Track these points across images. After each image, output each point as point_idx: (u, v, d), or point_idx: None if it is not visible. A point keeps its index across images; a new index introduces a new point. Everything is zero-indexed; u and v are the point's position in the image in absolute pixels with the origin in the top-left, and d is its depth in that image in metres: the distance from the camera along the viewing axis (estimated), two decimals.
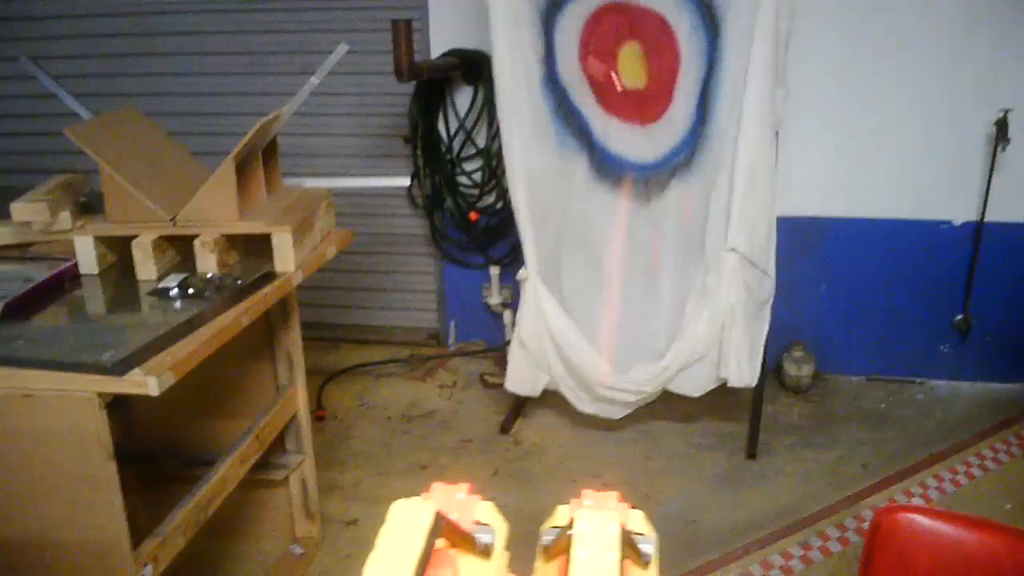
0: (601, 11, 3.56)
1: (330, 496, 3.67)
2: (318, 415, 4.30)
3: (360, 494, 3.73)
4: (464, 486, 0.86)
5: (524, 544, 0.86)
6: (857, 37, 4.12)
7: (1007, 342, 4.47)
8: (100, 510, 2.06)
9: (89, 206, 2.73)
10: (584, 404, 4.03)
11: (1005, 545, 1.71)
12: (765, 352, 3.91)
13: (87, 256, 2.57)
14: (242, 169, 2.67)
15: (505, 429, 4.19)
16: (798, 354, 4.48)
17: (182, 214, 2.59)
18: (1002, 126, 4.00)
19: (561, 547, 0.80)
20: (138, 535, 2.21)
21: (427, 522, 0.74)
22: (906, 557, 1.76)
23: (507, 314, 4.75)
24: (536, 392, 4.12)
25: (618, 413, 4.01)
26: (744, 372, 3.78)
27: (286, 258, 2.61)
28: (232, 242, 2.64)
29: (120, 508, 2.07)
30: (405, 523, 0.74)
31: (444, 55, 4.44)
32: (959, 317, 4.45)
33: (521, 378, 4.07)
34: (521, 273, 3.95)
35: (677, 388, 3.97)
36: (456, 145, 4.58)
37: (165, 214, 2.58)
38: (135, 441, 3.08)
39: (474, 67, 4.37)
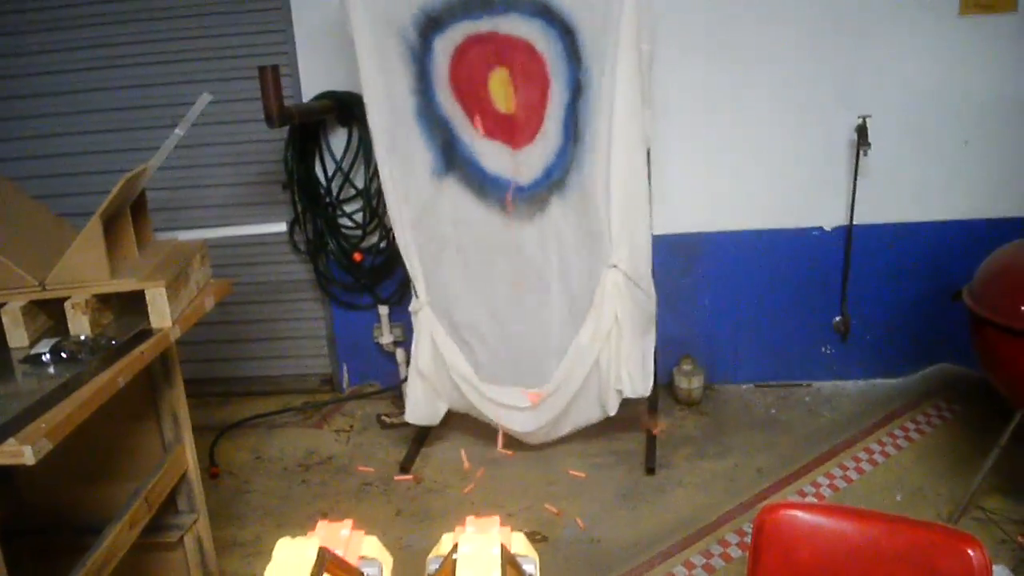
0: (468, 41, 3.59)
1: (230, 554, 3.58)
2: (212, 472, 4.20)
3: (261, 549, 3.64)
4: (348, 522, 0.86)
5: None
6: (719, 55, 4.27)
7: (884, 339, 4.65)
8: None
9: None
10: (499, 421, 4.08)
11: (881, 532, 1.77)
12: (655, 367, 3.98)
13: None
14: (111, 227, 2.61)
15: (405, 468, 4.16)
16: (688, 367, 4.57)
17: (51, 277, 2.51)
18: (862, 132, 4.18)
19: (446, 573, 0.80)
20: None
21: (311, 558, 0.74)
22: (790, 552, 1.81)
23: (400, 352, 4.73)
24: (436, 420, 4.15)
25: (526, 424, 4.04)
26: (637, 383, 3.85)
27: (162, 314, 2.55)
28: (105, 302, 2.58)
29: None
30: (290, 561, 0.74)
31: (316, 98, 4.42)
32: (838, 319, 4.62)
33: (420, 408, 4.09)
34: (413, 305, 3.98)
35: (583, 420, 4.05)
36: (335, 187, 4.55)
37: (33, 279, 2.50)
38: (23, 515, 2.96)
39: (347, 108, 4.37)
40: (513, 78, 3.60)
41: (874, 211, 4.41)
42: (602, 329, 3.79)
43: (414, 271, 3.93)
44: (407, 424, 4.31)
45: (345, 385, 5.04)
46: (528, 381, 4.01)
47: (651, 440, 4.18)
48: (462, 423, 4.30)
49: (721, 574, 3.27)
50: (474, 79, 3.65)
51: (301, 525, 3.65)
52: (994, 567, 1.71)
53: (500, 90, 3.64)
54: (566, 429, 4.09)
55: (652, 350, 3.96)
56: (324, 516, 3.80)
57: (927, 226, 4.43)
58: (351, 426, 4.67)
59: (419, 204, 3.84)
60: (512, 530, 0.87)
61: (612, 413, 3.95)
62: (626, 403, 3.95)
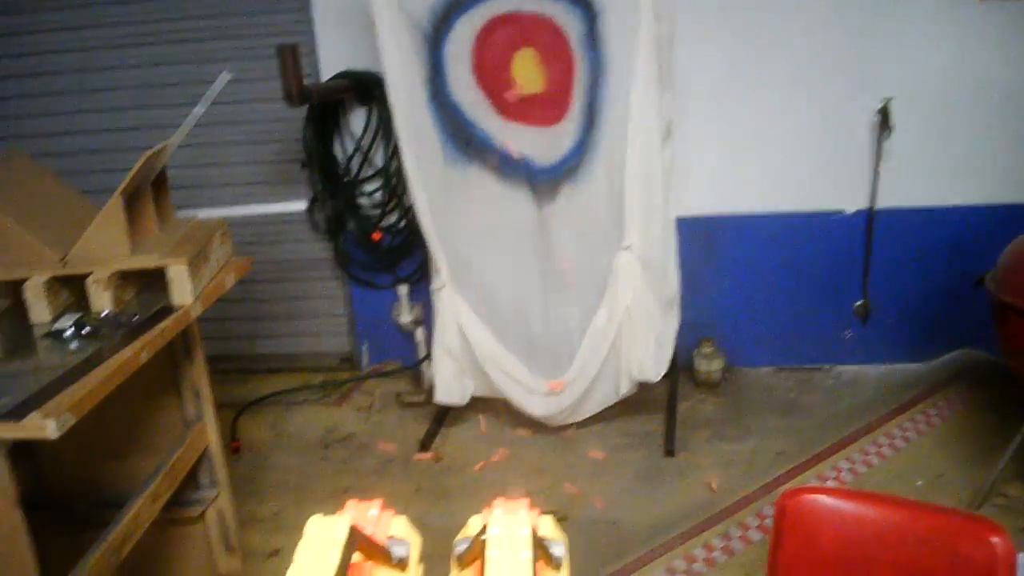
0: (492, 23, 3.57)
1: (251, 528, 3.60)
2: (233, 448, 4.23)
3: (281, 524, 3.66)
4: (377, 502, 0.86)
5: (449, 561, 0.86)
6: (741, 36, 4.22)
7: (906, 324, 4.61)
8: (8, 560, 2.00)
9: None
10: (520, 402, 4.10)
11: (904, 518, 1.76)
12: (675, 350, 3.98)
13: None
14: (132, 204, 2.61)
15: (425, 446, 4.17)
16: (707, 350, 4.55)
17: (72, 253, 2.52)
18: (884, 114, 4.14)
19: (475, 554, 0.80)
20: None
21: (343, 536, 0.74)
22: (812, 537, 1.80)
23: (419, 332, 4.73)
24: (465, 400, 4.15)
25: (547, 408, 4.06)
26: (647, 367, 3.86)
27: (183, 290, 2.56)
28: (127, 278, 2.59)
29: (29, 557, 2.01)
30: (321, 538, 0.74)
31: (335, 77, 4.41)
32: (859, 303, 4.59)
33: (450, 388, 4.10)
34: (436, 283, 3.97)
35: (601, 403, 4.06)
36: (354, 167, 4.55)
37: (55, 255, 2.51)
38: (47, 488, 2.98)
39: (366, 88, 4.36)
40: (541, 57, 3.58)
41: (896, 195, 4.36)
42: (617, 312, 3.80)
43: (436, 250, 3.92)
44: (427, 403, 4.32)
45: (364, 364, 5.05)
46: (550, 369, 4.03)
47: (670, 422, 4.17)
48: (482, 402, 4.29)
49: (740, 557, 3.27)
50: (497, 61, 3.63)
51: (322, 501, 3.68)
52: (1018, 555, 1.69)
53: (525, 70, 3.62)
54: (586, 413, 4.10)
55: (671, 335, 3.95)
56: (345, 492, 3.83)
57: (950, 210, 4.38)
58: (371, 404, 4.68)
59: (441, 188, 3.84)
60: (534, 509, 0.87)
61: (624, 392, 3.97)
62: (645, 385, 3.95)
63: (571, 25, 3.52)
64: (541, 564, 0.80)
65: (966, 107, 4.23)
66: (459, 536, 0.86)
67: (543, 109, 3.67)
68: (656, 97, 3.58)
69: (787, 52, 4.22)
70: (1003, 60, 4.14)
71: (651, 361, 3.87)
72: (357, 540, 0.75)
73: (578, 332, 3.97)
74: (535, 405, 4.06)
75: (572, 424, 4.17)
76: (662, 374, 3.91)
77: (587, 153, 3.69)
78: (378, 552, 0.79)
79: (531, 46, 3.58)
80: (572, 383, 3.97)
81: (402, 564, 0.82)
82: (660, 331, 3.93)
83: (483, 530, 0.79)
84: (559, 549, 0.83)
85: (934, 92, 4.21)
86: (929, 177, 4.35)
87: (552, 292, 3.98)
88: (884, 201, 4.35)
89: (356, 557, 0.75)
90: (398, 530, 0.85)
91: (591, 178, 3.72)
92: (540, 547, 0.80)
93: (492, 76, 3.66)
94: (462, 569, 0.83)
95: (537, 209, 3.84)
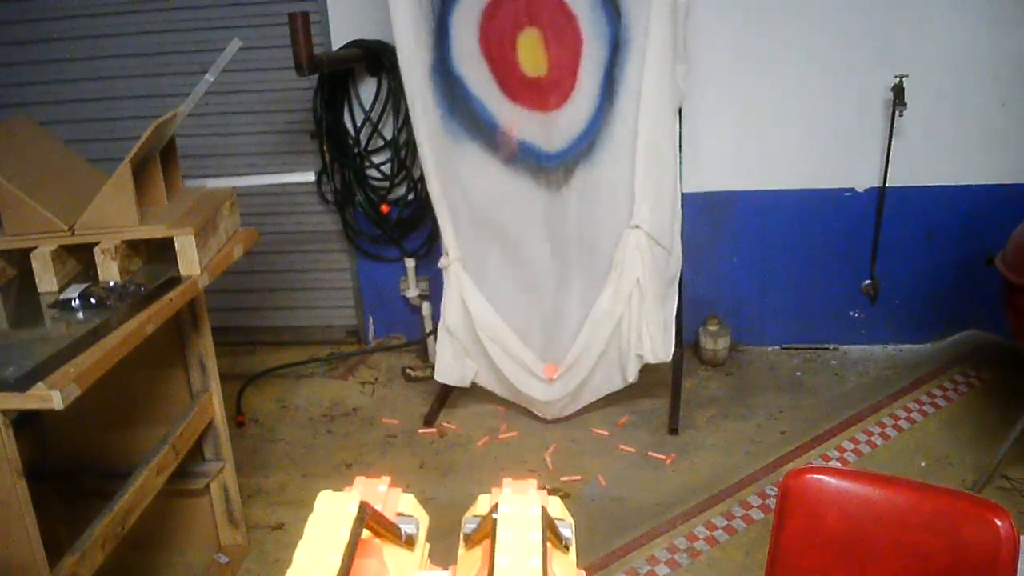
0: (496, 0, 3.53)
1: (255, 502, 3.62)
2: (238, 420, 4.24)
3: (285, 498, 3.67)
4: (386, 479, 0.86)
5: (453, 535, 0.86)
6: (755, 10, 4.18)
7: (914, 304, 4.60)
8: (13, 530, 2.00)
9: None
10: (512, 393, 4.07)
11: (909, 499, 1.75)
12: (680, 328, 3.96)
13: None
14: (140, 173, 2.60)
15: (429, 422, 4.17)
16: (714, 328, 4.54)
17: (80, 222, 2.52)
18: (898, 92, 4.09)
19: (484, 533, 0.79)
20: (59, 553, 2.15)
21: (353, 512, 0.73)
22: (815, 518, 1.80)
23: (426, 306, 4.73)
24: (466, 382, 4.11)
25: (548, 393, 4.03)
26: (658, 348, 3.83)
27: (190, 261, 2.55)
28: (134, 248, 2.58)
29: (34, 527, 2.01)
30: (332, 513, 0.74)
31: (346, 47, 4.38)
32: (867, 282, 4.57)
33: (449, 368, 4.06)
34: (442, 261, 3.95)
35: (604, 388, 4.04)
36: (363, 138, 4.53)
37: (63, 223, 2.50)
38: (52, 458, 2.99)
39: (377, 58, 4.33)
40: (545, 38, 3.52)
41: (908, 173, 4.33)
42: (623, 292, 3.75)
43: (444, 227, 3.88)
44: (431, 378, 4.32)
45: (371, 337, 5.05)
46: (550, 352, 4.00)
47: (675, 400, 4.16)
48: None
49: (743, 536, 3.27)
50: (503, 40, 3.57)
51: (326, 475, 3.70)
52: (1021, 537, 1.69)
53: (529, 52, 3.56)
54: (586, 400, 4.08)
55: (674, 314, 3.93)
56: (348, 468, 3.84)
57: (962, 190, 4.36)
58: (376, 378, 4.68)
59: (448, 165, 3.80)
60: (542, 490, 0.86)
61: (632, 380, 3.93)
62: (649, 365, 3.93)
63: (583, 1, 3.46)
64: (550, 545, 0.79)
65: (980, 86, 4.19)
66: (467, 515, 0.85)
67: (546, 93, 3.61)
68: (670, 68, 3.54)
69: (801, 26, 4.18)
70: (1019, 36, 4.09)
71: (660, 342, 3.84)
72: (367, 516, 0.74)
73: (579, 319, 3.93)
74: (535, 388, 4.02)
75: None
76: (671, 353, 3.89)
77: (603, 132, 3.63)
78: (387, 529, 0.78)
79: (535, 26, 3.52)
80: (572, 367, 3.93)
81: (410, 542, 0.81)
82: (667, 311, 3.91)
83: (493, 509, 0.79)
84: (568, 531, 0.83)
85: (948, 70, 4.17)
86: (941, 155, 4.32)
87: (556, 273, 3.95)
88: (895, 179, 4.32)
89: (364, 534, 0.75)
90: (406, 508, 0.84)
91: (607, 157, 3.67)
92: (550, 527, 0.79)
93: (498, 54, 3.60)
94: (470, 548, 0.82)
95: (546, 191, 3.80)
